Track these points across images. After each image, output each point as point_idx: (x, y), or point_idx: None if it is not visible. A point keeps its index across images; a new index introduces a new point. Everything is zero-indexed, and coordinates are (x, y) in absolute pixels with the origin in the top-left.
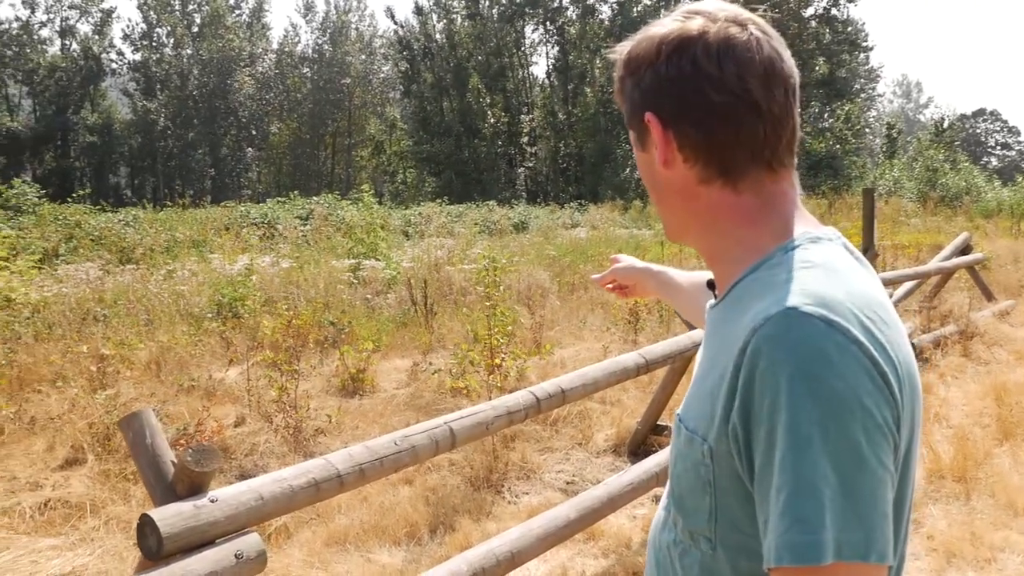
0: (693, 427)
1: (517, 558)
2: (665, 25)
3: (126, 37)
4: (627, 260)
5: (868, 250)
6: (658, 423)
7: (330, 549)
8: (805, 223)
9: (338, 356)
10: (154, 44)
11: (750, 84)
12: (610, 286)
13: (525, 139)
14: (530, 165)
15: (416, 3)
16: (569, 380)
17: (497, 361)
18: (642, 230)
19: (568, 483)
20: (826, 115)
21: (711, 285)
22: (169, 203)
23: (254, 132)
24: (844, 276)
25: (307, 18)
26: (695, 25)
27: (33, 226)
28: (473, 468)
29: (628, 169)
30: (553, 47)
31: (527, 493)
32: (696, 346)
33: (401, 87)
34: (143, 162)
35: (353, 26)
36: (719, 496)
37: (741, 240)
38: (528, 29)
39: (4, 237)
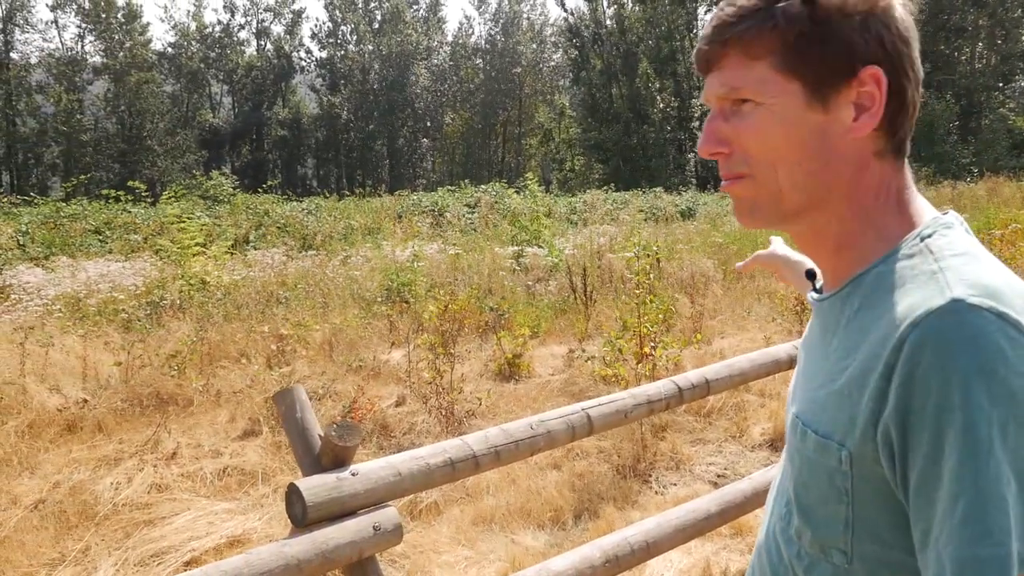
0: (826, 431)
1: (653, 548)
2: None
3: (314, 36)
4: (774, 245)
5: None
6: None
7: (477, 528)
8: (928, 207)
9: (495, 341)
10: (339, 41)
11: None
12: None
13: (696, 124)
14: None
15: None
16: (715, 371)
17: (646, 350)
18: None
19: (719, 476)
20: None
21: (811, 275)
22: (348, 192)
23: (429, 123)
24: (993, 264)
25: (480, 9)
26: None
27: (227, 214)
28: (621, 456)
29: None
30: None
31: (675, 484)
32: None
33: (570, 74)
34: (327, 154)
35: (524, 15)
36: (857, 505)
37: (877, 224)
38: (700, 10)
39: (202, 225)
